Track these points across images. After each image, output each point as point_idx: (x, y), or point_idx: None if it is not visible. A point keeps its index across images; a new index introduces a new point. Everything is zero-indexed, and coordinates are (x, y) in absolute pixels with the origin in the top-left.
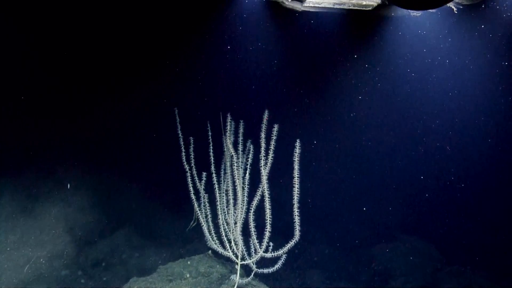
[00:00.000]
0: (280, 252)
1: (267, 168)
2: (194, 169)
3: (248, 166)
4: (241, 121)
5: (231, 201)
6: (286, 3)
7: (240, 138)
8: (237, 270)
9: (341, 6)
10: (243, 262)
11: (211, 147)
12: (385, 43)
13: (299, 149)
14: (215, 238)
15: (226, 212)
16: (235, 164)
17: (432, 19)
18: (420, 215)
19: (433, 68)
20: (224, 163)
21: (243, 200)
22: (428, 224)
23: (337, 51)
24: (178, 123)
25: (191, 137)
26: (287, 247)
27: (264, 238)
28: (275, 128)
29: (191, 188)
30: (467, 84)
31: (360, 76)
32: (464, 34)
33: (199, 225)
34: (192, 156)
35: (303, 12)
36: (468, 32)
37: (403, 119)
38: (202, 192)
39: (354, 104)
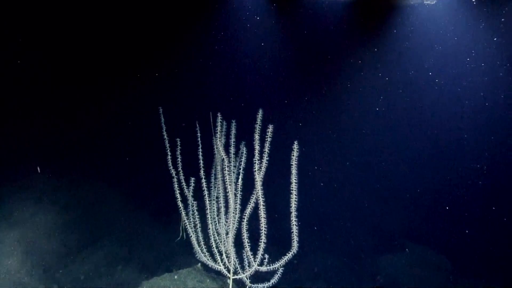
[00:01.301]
0: (277, 265)
1: (262, 173)
2: (181, 174)
3: (241, 171)
4: (233, 121)
5: (222, 209)
6: None
7: (232, 140)
8: (229, 285)
9: None
10: (235, 277)
11: (200, 150)
12: (396, 34)
13: (297, 151)
14: (204, 249)
15: (217, 221)
16: (226, 168)
17: (447, 7)
18: (430, 221)
19: (449, 62)
20: (215, 167)
21: (236, 208)
22: (439, 232)
23: (342, 44)
24: (163, 124)
25: (177, 139)
26: (284, 260)
27: (259, 250)
28: (270, 128)
29: (178, 195)
30: (487, 79)
31: (367, 71)
32: (483, 24)
33: (187, 235)
34: (179, 159)
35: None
36: (488, 22)
37: (413, 118)
38: (190, 199)
39: (360, 102)
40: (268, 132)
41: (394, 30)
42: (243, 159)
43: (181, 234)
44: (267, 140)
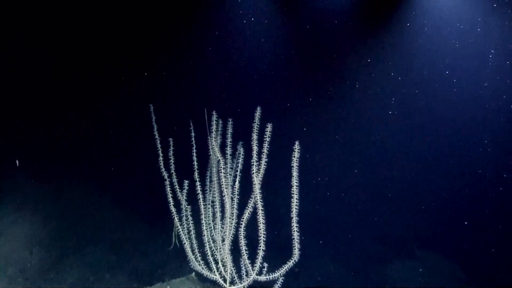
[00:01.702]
0: (277, 274)
1: (260, 175)
2: (174, 176)
3: (238, 173)
4: (230, 119)
5: (218, 214)
6: None
7: (229, 140)
8: None
9: None
10: (232, 287)
11: (194, 150)
12: (409, 29)
13: (298, 152)
14: (199, 257)
15: (213, 227)
16: (222, 170)
17: None
18: (442, 227)
19: (469, 60)
20: (210, 169)
21: (232, 213)
22: (452, 239)
23: (349, 40)
24: (154, 122)
25: (170, 138)
26: (284, 268)
27: (258, 258)
28: (269, 128)
29: (170, 199)
30: (507, 77)
31: (376, 70)
32: (506, 15)
33: (180, 242)
34: (171, 160)
35: None
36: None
37: (428, 122)
38: (183, 203)
39: (369, 104)
40: (267, 131)
41: (408, 24)
42: (240, 161)
43: (173, 240)
44: (266, 140)
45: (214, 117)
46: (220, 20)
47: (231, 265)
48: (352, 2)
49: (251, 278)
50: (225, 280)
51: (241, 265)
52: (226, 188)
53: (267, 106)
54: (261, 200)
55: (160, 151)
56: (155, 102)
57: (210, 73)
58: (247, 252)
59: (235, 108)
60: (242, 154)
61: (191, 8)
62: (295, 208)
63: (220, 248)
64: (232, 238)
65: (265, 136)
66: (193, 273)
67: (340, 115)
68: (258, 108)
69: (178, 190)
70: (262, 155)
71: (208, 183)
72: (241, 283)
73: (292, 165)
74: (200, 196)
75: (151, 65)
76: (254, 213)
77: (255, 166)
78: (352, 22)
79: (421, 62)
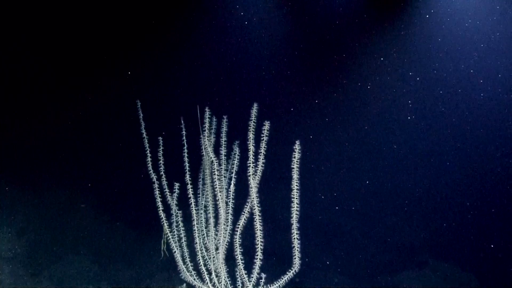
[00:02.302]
0: (276, 285)
1: (257, 177)
2: (163, 179)
3: (233, 175)
4: (224, 117)
5: (212, 219)
6: None
7: (224, 139)
8: None
9: None
10: None
11: (186, 151)
12: (428, 23)
13: (298, 153)
14: (190, 267)
15: (205, 234)
16: (216, 172)
17: None
18: (456, 234)
19: (497, 61)
20: (203, 171)
21: (227, 219)
22: (466, 247)
23: (361, 35)
24: (141, 120)
25: (159, 137)
26: (284, 279)
27: (254, 268)
28: (266, 125)
29: (159, 203)
30: None
31: (391, 69)
32: None
33: (170, 251)
34: (161, 161)
35: None
36: None
37: (435, 117)
38: (174, 208)
39: (383, 108)
40: (264, 130)
41: (427, 16)
42: (235, 162)
43: (162, 247)
44: (264, 139)
45: (207, 114)
46: (217, 12)
47: (226, 275)
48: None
49: None
50: None
51: (237, 276)
52: (220, 191)
53: (268, 105)
54: (258, 205)
55: (148, 151)
56: (142, 98)
57: (205, 68)
58: (243, 261)
59: (233, 106)
60: (238, 155)
61: None
62: (296, 214)
63: (213, 257)
64: (226, 246)
65: (262, 135)
66: (184, 284)
67: (349, 118)
68: (255, 105)
69: (168, 193)
70: (259, 156)
71: (200, 186)
72: None
73: (292, 166)
74: (192, 200)
75: (139, 58)
76: (250, 219)
77: (252, 167)
78: (364, 15)
79: (442, 60)
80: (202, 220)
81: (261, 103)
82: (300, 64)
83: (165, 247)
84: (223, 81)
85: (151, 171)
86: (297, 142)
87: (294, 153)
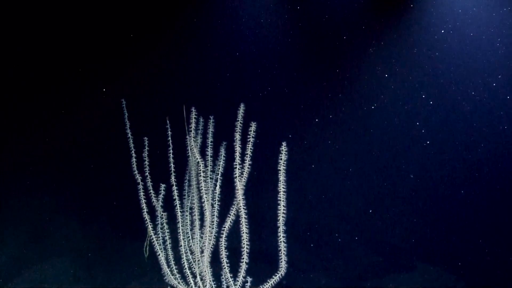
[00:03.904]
0: None
1: (244, 179)
2: (148, 180)
3: (219, 177)
4: (211, 117)
5: (197, 222)
6: None
7: (210, 140)
8: None
9: None
10: None
11: (171, 151)
12: (442, 20)
13: (285, 155)
14: (175, 270)
15: (190, 237)
16: (202, 174)
17: None
18: (446, 237)
19: (490, 55)
20: (189, 172)
21: (213, 221)
22: (458, 251)
23: (369, 33)
24: (126, 119)
25: (145, 138)
26: (270, 283)
27: (240, 271)
28: (253, 127)
29: (144, 205)
30: None
31: (403, 68)
32: None
33: (154, 254)
34: (146, 162)
35: None
36: None
37: (424, 121)
38: (159, 210)
39: (370, 100)
40: (251, 131)
41: (432, 19)
42: (221, 163)
43: (145, 246)
44: (250, 140)
45: (194, 114)
46: (202, 11)
47: (211, 279)
48: None
49: None
50: None
51: (222, 279)
52: (206, 193)
53: (258, 106)
54: (244, 207)
55: (133, 152)
56: (127, 97)
57: (192, 67)
58: (228, 264)
59: (221, 106)
60: (224, 156)
61: None
62: (282, 216)
63: (198, 260)
64: (212, 249)
65: (248, 136)
66: (168, 287)
67: (337, 120)
68: (241, 105)
69: (153, 195)
70: (245, 157)
71: (186, 187)
72: None
73: (278, 168)
74: (177, 202)
75: (122, 57)
76: (237, 221)
77: (238, 169)
78: (371, 14)
79: (442, 61)
80: (187, 222)
81: (249, 104)
82: (303, 64)
83: (147, 248)
84: (211, 81)
85: (136, 172)
86: (284, 144)
87: (280, 154)
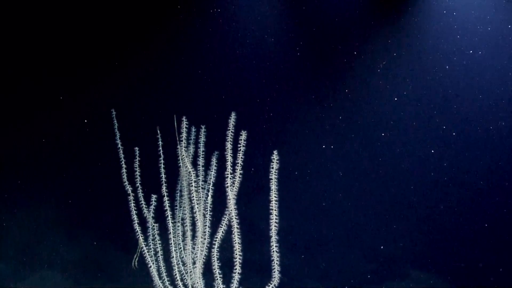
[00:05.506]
0: None
1: (235, 189)
2: (139, 191)
3: (211, 186)
4: (203, 126)
5: (189, 233)
6: None
7: (201, 149)
8: None
9: None
10: None
11: (162, 161)
12: (452, 18)
13: (276, 163)
14: (166, 282)
15: (182, 248)
16: (193, 184)
17: None
18: (440, 245)
19: (488, 55)
20: (180, 182)
21: (205, 232)
22: (451, 259)
23: (374, 32)
24: (116, 129)
25: (136, 148)
26: None
27: (233, 282)
28: (243, 135)
29: (135, 216)
30: None
31: (409, 69)
32: None
33: (145, 265)
34: (137, 173)
35: None
36: None
37: (431, 124)
38: (150, 221)
39: (387, 105)
40: (241, 140)
41: (444, 11)
42: (213, 173)
43: (135, 257)
44: (240, 149)
45: (184, 123)
46: (193, 16)
47: None
48: None
49: None
50: None
51: None
52: (197, 203)
53: (250, 113)
54: (236, 217)
55: (123, 162)
56: (117, 106)
57: (183, 75)
58: (221, 275)
59: (213, 115)
60: (215, 165)
61: None
62: (274, 226)
63: (190, 272)
64: (204, 260)
65: (239, 145)
66: None
67: (335, 126)
68: (233, 114)
69: (144, 206)
70: (236, 166)
71: (178, 198)
72: None
73: (270, 177)
74: (169, 212)
75: (112, 65)
76: (229, 231)
77: (230, 178)
78: (376, 12)
79: (443, 62)
80: (179, 233)
81: (241, 112)
82: (304, 64)
83: (136, 261)
84: (203, 89)
85: (126, 183)
86: (275, 152)
87: (272, 163)
